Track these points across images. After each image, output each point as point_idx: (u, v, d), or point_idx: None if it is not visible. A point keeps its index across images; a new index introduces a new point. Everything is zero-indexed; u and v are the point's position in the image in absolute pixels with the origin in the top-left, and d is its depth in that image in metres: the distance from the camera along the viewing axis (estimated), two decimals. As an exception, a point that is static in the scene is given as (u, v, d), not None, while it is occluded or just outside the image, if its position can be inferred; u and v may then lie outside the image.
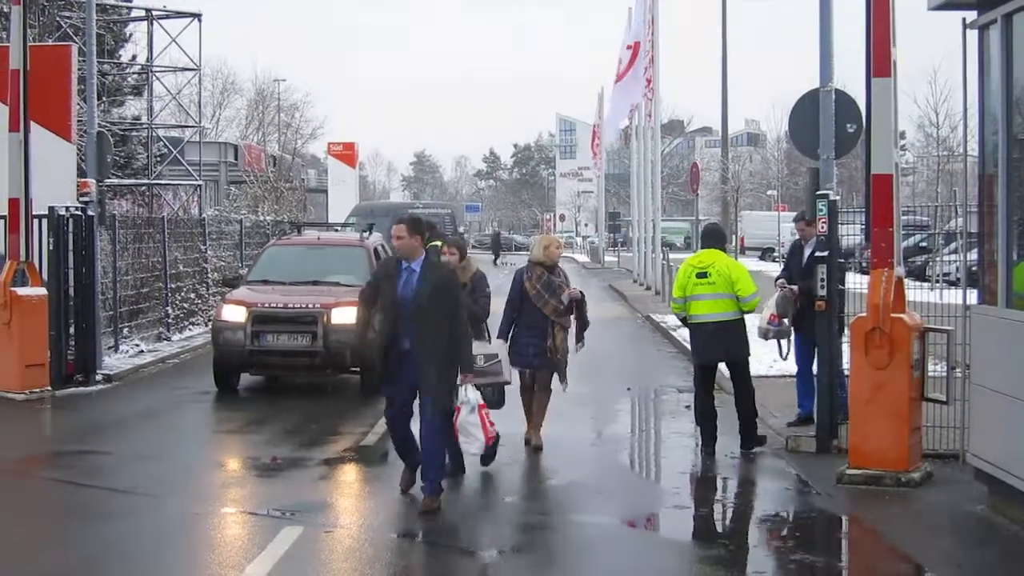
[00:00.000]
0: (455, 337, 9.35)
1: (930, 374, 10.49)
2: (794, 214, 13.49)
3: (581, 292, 12.16)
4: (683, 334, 21.50)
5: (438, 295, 9.30)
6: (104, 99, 37.93)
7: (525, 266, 12.02)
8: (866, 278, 10.57)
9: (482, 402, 9.44)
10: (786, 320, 12.33)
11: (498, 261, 64.24)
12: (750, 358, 11.99)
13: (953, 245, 18.63)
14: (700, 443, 11.87)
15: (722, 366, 12.35)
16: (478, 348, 10.51)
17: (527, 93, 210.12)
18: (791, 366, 12.86)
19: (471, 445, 9.50)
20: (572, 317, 11.97)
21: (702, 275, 11.67)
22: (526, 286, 11.79)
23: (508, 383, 11.29)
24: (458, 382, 9.38)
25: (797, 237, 13.02)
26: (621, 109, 43.35)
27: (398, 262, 9.55)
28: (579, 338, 12.15)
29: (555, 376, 12.02)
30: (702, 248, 12.23)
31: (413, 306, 9.26)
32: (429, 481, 9.36)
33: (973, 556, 8.57)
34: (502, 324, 11.83)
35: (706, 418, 11.85)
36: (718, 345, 11.71)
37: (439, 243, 17.50)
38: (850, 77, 13.88)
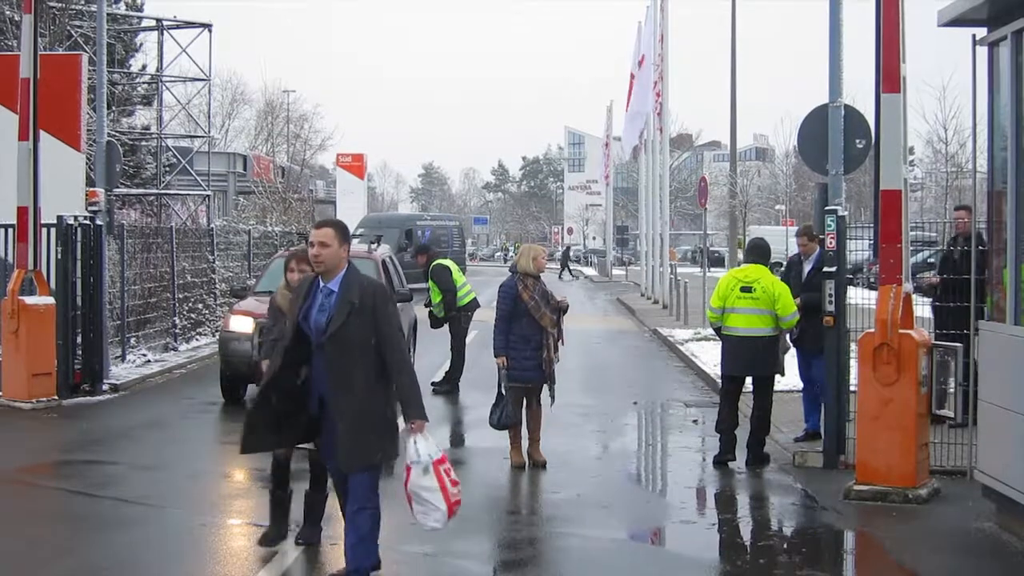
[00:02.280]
0: (396, 373, 7.10)
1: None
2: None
3: (567, 303, 12.07)
4: (691, 348, 21.59)
5: (362, 317, 7.02)
6: (114, 108, 38.01)
7: (515, 277, 11.71)
8: (874, 293, 10.56)
9: (439, 455, 7.15)
10: (787, 335, 12.35)
11: (563, 275, 65.21)
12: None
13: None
14: (719, 451, 11.83)
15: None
16: None
17: (536, 106, 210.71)
18: (799, 381, 12.86)
19: (428, 516, 7.24)
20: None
21: (747, 289, 11.72)
22: (523, 296, 11.53)
23: None
24: (407, 434, 7.12)
25: (798, 251, 13.01)
26: (635, 123, 43.36)
27: (312, 282, 7.28)
28: (555, 349, 11.89)
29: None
30: (747, 263, 12.22)
31: (325, 338, 7.06)
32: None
33: (980, 573, 8.54)
34: (498, 339, 11.65)
35: (729, 428, 11.88)
36: (751, 359, 11.74)
37: (444, 261, 17.63)
38: (859, 92, 13.88)
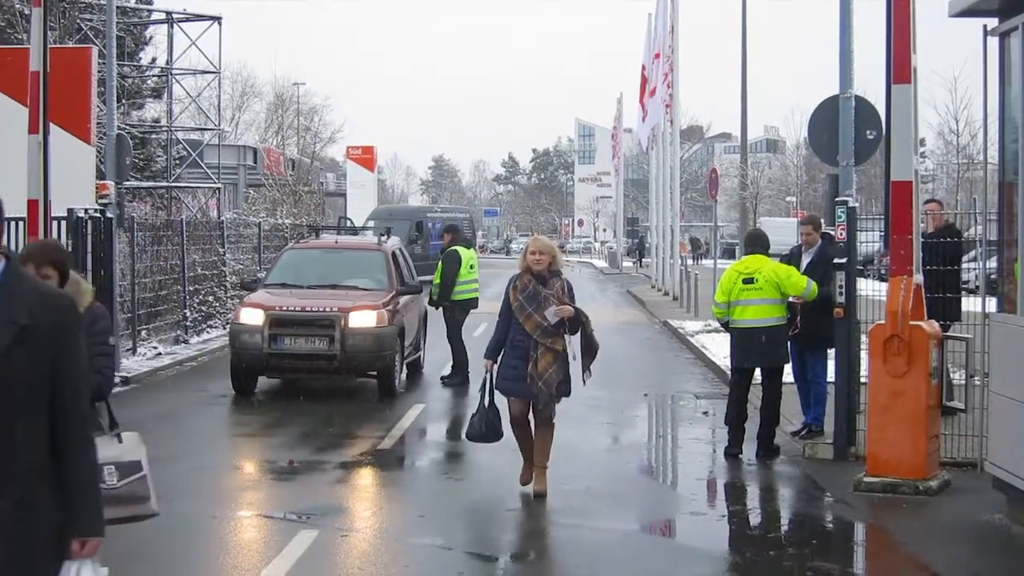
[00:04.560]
0: (71, 448, 4.02)
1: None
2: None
3: (577, 309, 9.93)
4: (702, 340, 21.58)
5: (33, 349, 3.90)
6: (124, 101, 38.06)
7: (517, 274, 10.13)
8: (884, 285, 10.54)
9: None
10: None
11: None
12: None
13: (972, 253, 18.54)
14: (728, 443, 11.81)
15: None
16: (104, 450, 5.40)
17: (546, 98, 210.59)
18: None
19: None
20: (567, 337, 9.93)
21: (749, 281, 11.69)
22: (510, 295, 9.92)
23: (155, 515, 6.35)
24: (70, 552, 4.01)
25: (800, 242, 12.94)
26: (650, 119, 43.25)
27: None
28: (585, 366, 10.12)
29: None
30: (746, 254, 12.22)
31: None
32: None
33: (990, 565, 8.52)
34: (491, 341, 10.12)
35: (739, 420, 11.88)
36: (761, 350, 11.71)
37: (463, 251, 17.55)
38: (870, 83, 13.86)
